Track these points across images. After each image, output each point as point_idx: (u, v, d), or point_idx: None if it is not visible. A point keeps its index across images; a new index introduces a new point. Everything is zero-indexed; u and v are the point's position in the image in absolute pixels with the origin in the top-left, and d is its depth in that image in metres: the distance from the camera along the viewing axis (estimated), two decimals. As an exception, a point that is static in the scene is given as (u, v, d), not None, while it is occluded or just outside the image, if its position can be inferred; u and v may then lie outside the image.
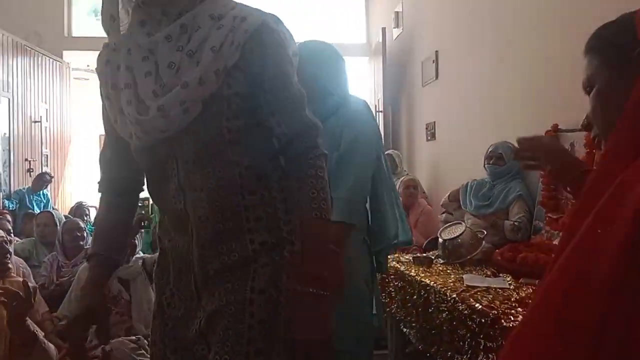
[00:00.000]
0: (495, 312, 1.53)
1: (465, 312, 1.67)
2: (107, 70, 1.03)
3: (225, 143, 0.99)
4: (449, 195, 3.34)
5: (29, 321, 1.98)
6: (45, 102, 5.69)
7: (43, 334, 2.06)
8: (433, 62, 4.38)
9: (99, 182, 1.17)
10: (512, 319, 1.47)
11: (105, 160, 1.15)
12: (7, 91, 5.01)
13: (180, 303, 1.07)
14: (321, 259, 0.98)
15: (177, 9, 0.98)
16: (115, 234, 1.16)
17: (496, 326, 1.49)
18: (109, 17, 1.01)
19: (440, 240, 2.50)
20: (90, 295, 1.09)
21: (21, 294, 1.87)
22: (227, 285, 1.00)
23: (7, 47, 5.05)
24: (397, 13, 5.33)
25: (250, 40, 0.97)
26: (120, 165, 1.13)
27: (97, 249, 1.13)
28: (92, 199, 6.47)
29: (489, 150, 3.02)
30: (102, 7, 1.02)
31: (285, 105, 1.02)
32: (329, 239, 1.00)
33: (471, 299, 1.69)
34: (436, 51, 4.34)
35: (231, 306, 0.99)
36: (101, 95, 1.06)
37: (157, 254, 1.18)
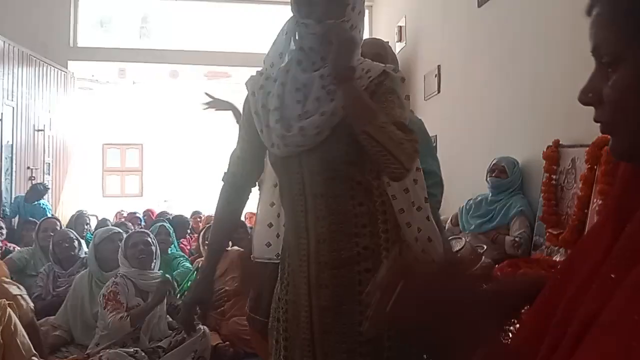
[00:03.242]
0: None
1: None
2: (260, 93, 1.28)
3: (343, 162, 1.23)
4: (451, 219, 3.33)
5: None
6: (49, 111, 5.71)
7: None
8: (435, 76, 4.39)
9: (224, 173, 1.42)
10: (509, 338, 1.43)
11: (234, 157, 1.40)
12: (12, 100, 5.03)
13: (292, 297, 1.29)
14: None
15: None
16: (228, 227, 1.46)
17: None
18: (278, 54, 1.28)
19: (440, 255, 2.48)
20: (201, 285, 1.40)
21: None
22: (334, 280, 1.21)
23: (13, 56, 5.09)
24: (400, 27, 5.35)
25: (371, 84, 1.24)
26: (244, 163, 1.38)
27: (212, 240, 1.49)
28: (93, 207, 6.49)
29: (492, 162, 3.02)
30: (274, 44, 1.28)
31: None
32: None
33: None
34: (438, 65, 4.35)
35: (343, 305, 1.20)
36: (244, 110, 1.36)
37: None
